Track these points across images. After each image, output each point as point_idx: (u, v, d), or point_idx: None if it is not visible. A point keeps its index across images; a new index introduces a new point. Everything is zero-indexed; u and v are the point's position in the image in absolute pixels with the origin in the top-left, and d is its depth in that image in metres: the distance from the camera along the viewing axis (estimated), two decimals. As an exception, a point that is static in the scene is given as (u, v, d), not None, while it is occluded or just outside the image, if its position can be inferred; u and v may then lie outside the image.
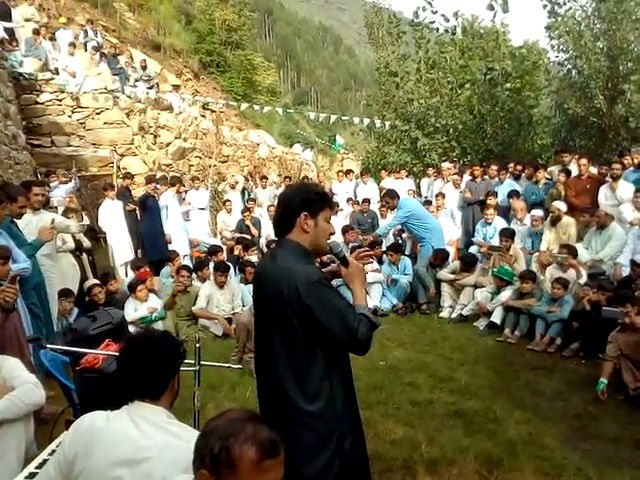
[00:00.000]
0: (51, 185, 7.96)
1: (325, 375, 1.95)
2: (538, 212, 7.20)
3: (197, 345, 2.75)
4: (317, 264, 2.21)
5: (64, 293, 5.58)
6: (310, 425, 1.92)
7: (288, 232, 2.06)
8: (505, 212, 7.90)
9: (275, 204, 8.77)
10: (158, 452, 1.64)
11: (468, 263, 7.02)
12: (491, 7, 12.38)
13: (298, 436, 1.90)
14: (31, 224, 4.92)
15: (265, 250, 9.00)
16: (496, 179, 8.64)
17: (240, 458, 1.18)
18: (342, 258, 2.12)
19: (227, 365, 3.25)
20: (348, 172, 11.73)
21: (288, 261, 1.98)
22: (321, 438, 1.92)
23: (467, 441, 3.68)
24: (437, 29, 13.80)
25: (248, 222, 9.61)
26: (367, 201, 9.59)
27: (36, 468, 2.27)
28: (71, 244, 6.44)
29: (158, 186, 8.75)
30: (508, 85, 11.66)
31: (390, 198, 7.79)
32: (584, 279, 6.06)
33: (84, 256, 7.03)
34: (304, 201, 2.04)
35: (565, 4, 11.14)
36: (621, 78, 10.49)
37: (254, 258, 7.93)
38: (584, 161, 7.45)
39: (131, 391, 1.78)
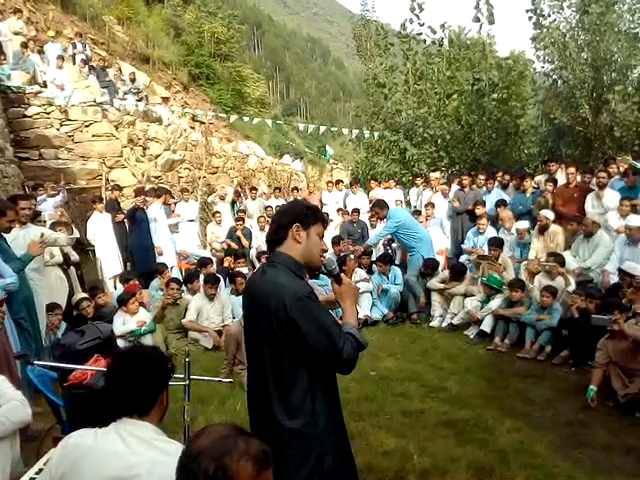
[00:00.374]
0: (39, 198, 7.89)
1: (308, 392, 1.93)
2: (523, 224, 7.24)
3: (187, 359, 2.74)
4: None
5: (52, 307, 5.52)
6: (290, 442, 1.90)
7: (280, 244, 2.07)
8: (493, 221, 7.95)
9: (265, 215, 8.76)
10: (147, 469, 1.63)
11: (457, 273, 7.05)
12: (477, 19, 12.55)
13: (279, 452, 1.87)
14: (18, 238, 4.89)
15: (255, 261, 8.99)
16: (484, 188, 8.71)
17: (238, 475, 1.17)
18: (336, 275, 2.13)
19: (217, 379, 3.24)
20: (338, 182, 11.78)
21: (277, 275, 1.98)
22: (300, 455, 1.90)
23: (459, 451, 3.68)
24: (424, 41, 13.97)
25: (239, 233, 9.60)
26: (357, 211, 9.63)
27: (23, 487, 2.24)
28: (59, 258, 6.38)
29: (147, 198, 8.72)
30: (495, 95, 11.80)
31: (380, 208, 7.82)
32: (573, 287, 6.11)
33: (72, 270, 6.97)
34: (296, 213, 2.08)
35: (550, 16, 11.33)
36: (605, 88, 10.65)
37: (244, 270, 7.91)
38: (572, 170, 7.54)
39: (119, 407, 1.76)
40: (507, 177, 8.91)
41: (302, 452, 1.90)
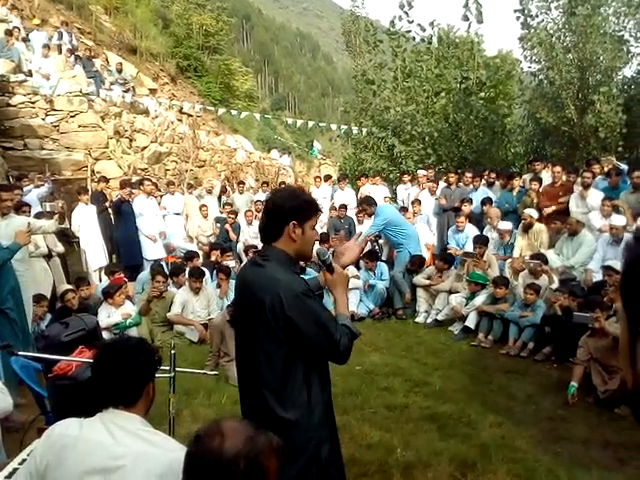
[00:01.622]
0: (25, 189, 7.79)
1: (304, 384, 1.95)
2: (507, 225, 7.32)
3: (172, 351, 2.74)
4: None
5: (38, 298, 5.48)
6: (286, 433, 1.90)
7: (275, 239, 2.04)
8: (479, 219, 8.03)
9: (253, 209, 8.71)
10: (132, 460, 1.62)
11: (447, 260, 7.14)
12: (466, 18, 12.64)
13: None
14: (0, 229, 4.82)
15: (242, 255, 8.97)
16: (471, 186, 8.77)
17: (269, 470, 1.24)
18: (328, 265, 2.12)
19: (203, 372, 3.24)
20: (327, 177, 11.77)
21: (273, 270, 1.98)
22: (296, 447, 1.91)
23: (442, 445, 3.73)
24: (413, 38, 14.02)
25: (228, 227, 9.57)
26: (344, 207, 9.65)
27: (6, 478, 2.22)
28: (44, 249, 6.33)
29: (133, 191, 8.65)
30: (482, 94, 11.91)
31: (367, 205, 7.85)
32: (556, 285, 6.20)
33: (56, 260, 6.91)
34: (293, 209, 2.02)
35: (537, 16, 11.43)
36: (591, 89, 10.79)
37: (232, 263, 7.90)
38: (558, 169, 7.63)
39: (105, 398, 1.75)
40: (493, 175, 8.98)
41: (299, 442, 1.92)
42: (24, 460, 2.32)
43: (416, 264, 7.35)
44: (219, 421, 1.31)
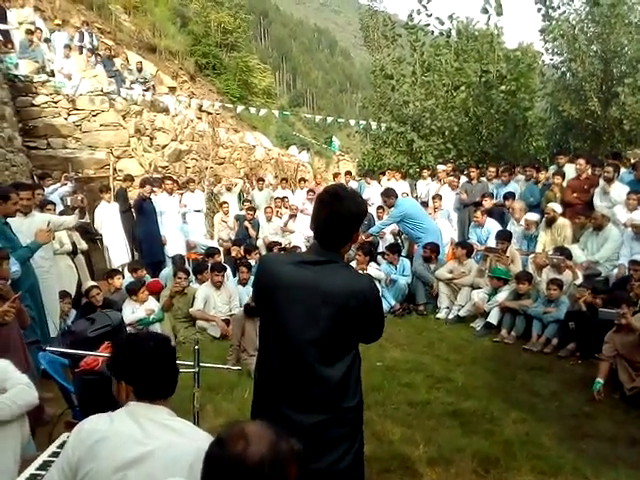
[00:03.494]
0: (51, 188, 7.94)
1: (359, 373, 2.07)
2: (534, 216, 7.23)
3: (196, 347, 2.78)
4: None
5: (61, 295, 5.60)
6: (349, 420, 2.00)
7: (342, 246, 2.05)
8: (500, 214, 7.94)
9: (273, 205, 8.73)
10: (163, 451, 1.65)
11: (465, 247, 7.17)
12: (485, 10, 12.46)
13: (323, 434, 1.95)
14: (23, 227, 4.91)
15: (263, 251, 9.01)
16: (499, 180, 8.68)
17: (291, 475, 1.25)
18: None
19: (226, 367, 3.27)
20: (347, 173, 11.76)
21: (346, 271, 2.04)
22: (355, 431, 2.03)
23: (464, 441, 3.71)
24: (432, 32, 13.88)
25: (247, 224, 9.62)
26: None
27: (36, 470, 2.27)
28: (68, 246, 6.44)
29: (155, 188, 8.75)
30: (503, 87, 11.72)
31: (387, 197, 7.81)
32: (580, 280, 6.11)
33: (80, 257, 7.03)
34: (361, 216, 2.06)
35: (559, 7, 11.22)
36: (615, 81, 10.57)
37: (252, 260, 7.96)
38: (582, 162, 7.50)
39: (150, 391, 1.79)
40: (517, 169, 8.88)
41: (357, 428, 2.05)
42: (54, 453, 2.37)
43: (429, 252, 7.31)
44: (241, 424, 1.29)
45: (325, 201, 2.01)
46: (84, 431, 1.71)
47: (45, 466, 2.27)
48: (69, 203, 7.01)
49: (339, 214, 1.97)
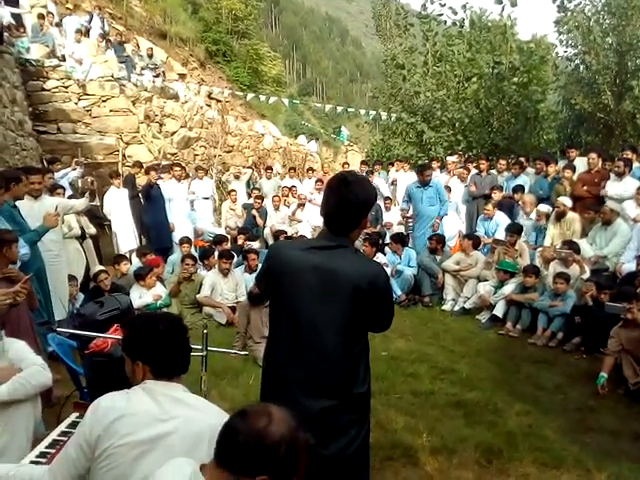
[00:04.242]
0: (62, 172, 7.99)
1: (367, 360, 2.10)
2: (545, 207, 7.20)
3: (204, 331, 2.80)
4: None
5: (69, 278, 5.63)
6: (358, 406, 2.04)
7: (352, 230, 2.06)
8: (510, 207, 7.91)
9: (280, 194, 8.79)
10: (181, 426, 1.68)
11: (471, 238, 7.22)
12: (499, 1, 12.33)
13: (332, 420, 1.98)
14: (33, 210, 4.95)
15: (270, 240, 9.03)
16: (509, 173, 8.64)
17: (302, 463, 1.30)
18: None
19: (234, 352, 3.30)
20: (362, 163, 11.76)
21: (356, 257, 2.06)
22: (364, 417, 2.08)
23: (467, 431, 3.73)
24: (445, 22, 13.77)
25: (255, 212, 9.63)
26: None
27: (46, 448, 2.31)
28: (77, 230, 6.48)
29: (162, 175, 8.77)
30: (515, 79, 11.63)
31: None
32: (587, 275, 6.08)
33: (89, 242, 7.08)
34: (370, 201, 2.07)
35: (575, -1, 11.09)
36: (629, 74, 10.46)
37: (255, 244, 8.02)
38: (594, 155, 7.43)
39: (166, 370, 1.82)
40: (526, 163, 8.82)
41: (365, 415, 2.08)
42: (63, 432, 2.41)
43: (435, 243, 7.32)
44: (267, 405, 1.34)
45: (334, 187, 2.04)
46: (102, 409, 1.72)
47: (55, 444, 2.31)
48: (80, 185, 7.04)
49: (347, 199, 1.99)
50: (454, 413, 4.06)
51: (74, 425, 2.43)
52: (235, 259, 7.24)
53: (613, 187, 6.98)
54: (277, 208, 9.93)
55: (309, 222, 9.75)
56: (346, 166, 11.92)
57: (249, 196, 10.42)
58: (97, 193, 8.15)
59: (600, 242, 6.55)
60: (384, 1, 16.71)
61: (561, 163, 8.32)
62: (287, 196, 10.49)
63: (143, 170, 8.88)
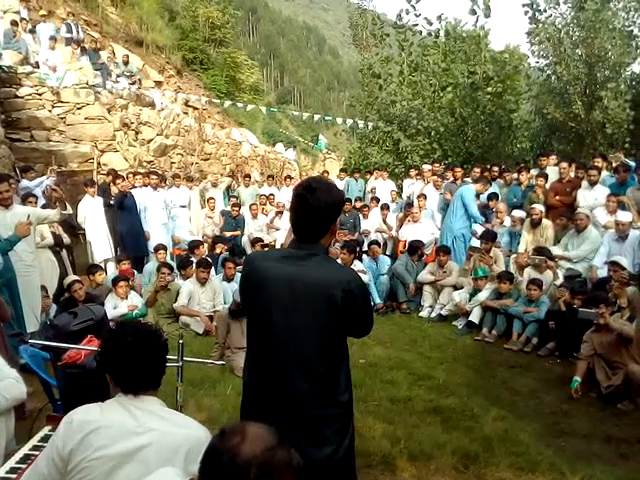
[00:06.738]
0: (37, 180, 7.83)
1: (348, 368, 2.08)
2: (519, 213, 7.33)
3: (180, 341, 2.77)
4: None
5: (41, 289, 5.52)
6: (341, 415, 2.02)
7: (322, 237, 2.03)
8: (483, 215, 8.01)
9: (258, 202, 8.77)
10: (157, 439, 1.65)
11: (444, 251, 7.23)
12: (473, 12, 12.57)
13: (316, 430, 1.97)
14: (4, 220, 4.85)
15: (248, 248, 8.99)
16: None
17: None
18: None
19: (210, 362, 3.27)
20: (342, 171, 11.84)
21: (329, 263, 2.03)
22: (346, 426, 2.05)
23: (445, 437, 3.76)
24: (420, 32, 13.97)
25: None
26: (349, 201, 9.66)
27: (17, 463, 2.26)
28: (50, 240, 6.37)
29: (136, 184, 8.68)
30: (489, 89, 11.85)
31: None
32: (560, 280, 6.20)
33: (64, 252, 6.96)
34: (336, 206, 2.04)
35: (546, 11, 11.41)
36: (598, 85, 10.75)
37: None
38: (564, 164, 7.61)
39: (137, 383, 1.75)
40: (496, 169, 8.93)
41: (348, 423, 2.07)
42: (35, 446, 2.36)
43: (415, 249, 7.43)
44: (246, 423, 1.28)
45: (299, 194, 1.99)
46: (75, 421, 1.67)
47: (26, 459, 2.25)
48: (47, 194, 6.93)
49: (314, 206, 1.95)
50: (431, 419, 4.08)
51: (46, 439, 2.37)
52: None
53: (584, 195, 7.14)
54: (255, 216, 9.91)
55: (287, 230, 9.74)
56: (326, 174, 11.95)
57: (235, 203, 10.38)
58: (67, 200, 8.00)
59: (572, 248, 6.68)
60: (361, 11, 16.95)
61: (533, 171, 8.48)
62: (265, 204, 10.48)
63: (111, 178, 8.76)
